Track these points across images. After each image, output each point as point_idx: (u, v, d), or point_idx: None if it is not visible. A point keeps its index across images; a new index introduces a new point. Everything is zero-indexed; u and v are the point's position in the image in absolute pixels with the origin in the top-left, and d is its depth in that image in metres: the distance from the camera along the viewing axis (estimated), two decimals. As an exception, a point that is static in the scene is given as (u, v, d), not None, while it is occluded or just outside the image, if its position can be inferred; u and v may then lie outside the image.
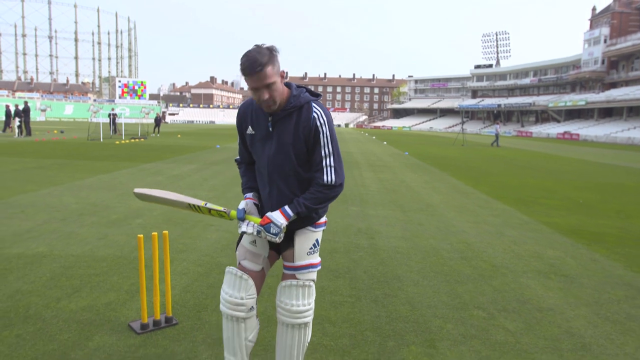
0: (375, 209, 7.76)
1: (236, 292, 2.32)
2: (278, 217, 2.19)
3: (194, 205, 2.39)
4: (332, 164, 2.24)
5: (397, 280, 4.29)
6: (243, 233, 2.28)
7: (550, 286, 4.26)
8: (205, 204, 2.37)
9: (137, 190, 2.51)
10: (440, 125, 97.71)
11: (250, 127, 2.34)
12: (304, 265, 2.36)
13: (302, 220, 2.32)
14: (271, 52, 2.10)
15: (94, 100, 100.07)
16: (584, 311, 3.71)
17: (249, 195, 2.43)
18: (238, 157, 2.59)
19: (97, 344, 2.94)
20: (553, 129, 66.50)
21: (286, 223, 2.20)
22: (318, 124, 2.21)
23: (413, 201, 8.59)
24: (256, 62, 2.05)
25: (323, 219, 2.43)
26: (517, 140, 51.80)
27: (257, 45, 2.12)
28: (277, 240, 2.20)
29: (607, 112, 65.83)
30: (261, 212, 2.41)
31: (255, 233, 2.24)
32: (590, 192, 10.76)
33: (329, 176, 2.23)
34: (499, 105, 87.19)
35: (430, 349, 3.01)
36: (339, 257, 4.91)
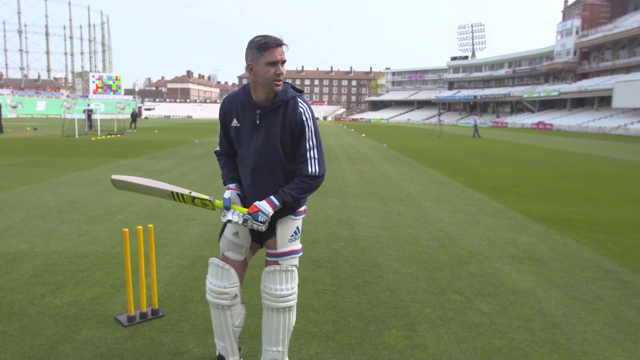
0: (354, 200, 7.88)
1: (219, 281, 2.44)
2: (265, 206, 2.28)
3: (176, 193, 2.42)
4: (316, 156, 2.37)
5: (377, 268, 4.41)
6: (228, 222, 2.34)
7: (523, 270, 4.44)
8: (190, 192, 2.41)
9: (115, 176, 2.52)
10: (417, 117, 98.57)
11: (235, 119, 2.39)
12: (286, 252, 2.45)
13: (284, 209, 2.40)
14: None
15: (67, 96, 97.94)
16: (555, 293, 3.89)
17: (232, 185, 2.49)
18: (217, 149, 2.64)
19: (84, 337, 2.98)
20: (528, 119, 67.75)
21: (272, 212, 2.29)
22: (304, 118, 2.33)
23: (392, 192, 8.75)
24: (277, 38, 2.20)
25: (303, 208, 2.53)
26: (493, 130, 52.65)
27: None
28: (263, 228, 2.29)
29: (580, 102, 67.33)
30: (244, 203, 2.48)
31: (240, 222, 2.31)
32: (562, 180, 11.08)
33: (313, 167, 2.35)
34: (475, 97, 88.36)
35: (410, 332, 3.14)
36: (320, 248, 5.01)
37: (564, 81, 73.17)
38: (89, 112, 29.28)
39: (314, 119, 2.40)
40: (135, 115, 34.46)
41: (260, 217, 2.26)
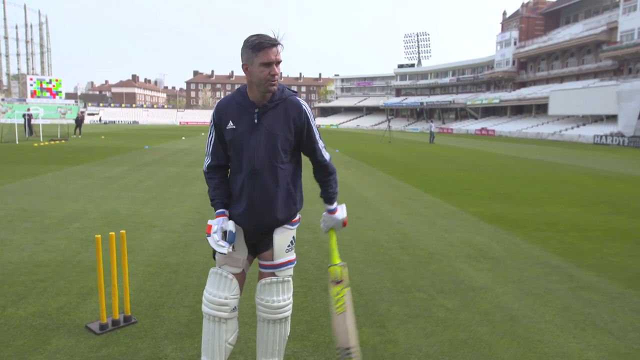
0: (312, 205, 7.97)
1: (220, 291, 2.35)
2: (342, 213, 2.60)
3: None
4: (323, 145, 2.50)
5: (343, 270, 4.54)
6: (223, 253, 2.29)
7: (480, 268, 4.71)
8: (348, 286, 2.48)
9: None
10: (366, 122, 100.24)
11: (231, 121, 2.32)
12: (283, 262, 2.42)
13: (283, 220, 2.40)
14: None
15: (2, 100, 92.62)
16: (510, 288, 4.16)
17: (224, 212, 2.38)
18: (209, 163, 2.45)
19: (55, 346, 2.93)
20: (471, 126, 70.48)
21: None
22: (309, 115, 2.39)
23: (349, 196, 8.94)
24: (272, 38, 2.20)
25: (297, 217, 2.52)
26: (440, 136, 54.40)
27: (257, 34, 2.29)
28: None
29: (519, 110, 70.78)
30: (232, 211, 2.39)
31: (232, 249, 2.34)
32: (508, 183, 11.69)
33: (325, 155, 2.50)
34: (422, 103, 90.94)
35: (381, 329, 3.29)
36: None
37: (504, 89, 76.70)
38: (29, 117, 27.87)
39: (313, 115, 2.48)
40: (79, 121, 33.14)
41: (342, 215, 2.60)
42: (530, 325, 3.40)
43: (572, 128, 51.43)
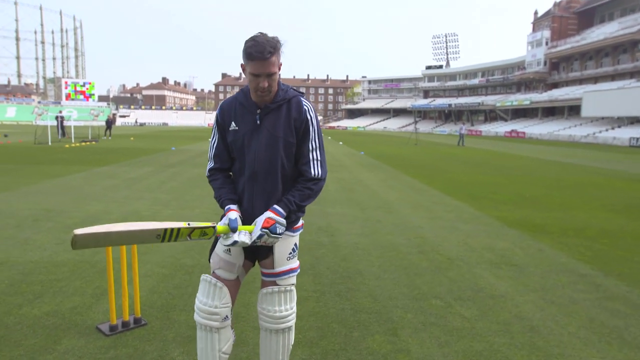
0: (334, 207, 7.94)
1: (210, 300, 2.25)
2: (276, 216, 2.15)
3: (169, 230, 2.02)
4: (319, 157, 2.27)
5: (358, 274, 4.46)
6: (233, 244, 2.09)
7: (501, 275, 4.55)
8: (189, 224, 2.07)
9: (78, 231, 1.87)
10: (393, 125, 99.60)
11: (233, 122, 2.26)
12: (284, 271, 2.32)
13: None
14: (277, 42, 2.11)
15: (39, 102, 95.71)
16: (532, 297, 4.00)
17: (233, 207, 2.24)
18: (211, 166, 2.38)
19: (65, 347, 2.94)
20: (501, 128, 69.17)
21: (285, 221, 2.18)
22: (309, 117, 2.24)
23: (370, 199, 8.84)
24: (265, 49, 2.04)
25: (300, 222, 2.39)
26: (468, 138, 53.51)
27: (262, 33, 2.12)
28: (278, 240, 2.19)
29: (550, 111, 69.13)
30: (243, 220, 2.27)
31: (249, 242, 2.11)
32: (535, 187, 11.36)
33: (315, 169, 2.25)
34: (450, 105, 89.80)
35: (393, 337, 3.19)
36: (301, 254, 5.03)
37: (535, 90, 75.03)
38: (61, 119, 28.67)
39: (318, 120, 2.31)
40: (110, 122, 33.91)
41: (278, 229, 2.12)
42: (552, 337, 3.25)
43: (607, 130, 49.90)
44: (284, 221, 2.16)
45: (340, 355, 2.92)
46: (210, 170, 2.39)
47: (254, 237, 2.11)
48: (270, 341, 2.35)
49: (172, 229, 2.03)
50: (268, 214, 2.14)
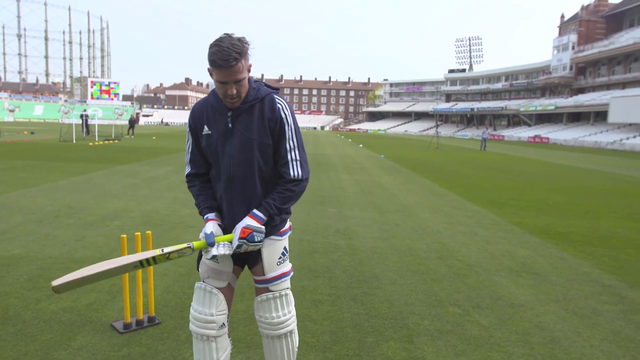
0: (352, 210, 7.87)
1: (206, 308, 2.18)
2: (254, 223, 2.06)
3: (145, 260, 2.04)
4: (298, 157, 2.14)
5: (375, 279, 4.40)
6: (213, 257, 2.06)
7: (521, 283, 4.43)
8: (162, 250, 2.05)
9: (55, 282, 1.93)
10: (415, 128, 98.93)
11: (206, 126, 2.15)
12: (276, 276, 2.23)
13: (267, 229, 2.16)
14: (244, 44, 1.97)
15: (65, 101, 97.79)
16: (553, 307, 3.88)
17: (211, 216, 2.18)
18: (187, 171, 2.30)
19: (80, 343, 2.95)
20: (524, 133, 68.06)
21: (263, 227, 2.09)
22: (283, 115, 2.11)
23: (389, 202, 8.75)
24: (230, 56, 1.91)
25: (287, 225, 2.30)
26: (490, 143, 52.82)
27: (227, 34, 1.97)
28: (261, 246, 2.13)
29: (576, 117, 67.75)
30: (224, 228, 2.21)
31: (230, 252, 2.08)
32: (559, 194, 11.11)
33: (295, 170, 2.14)
34: (472, 109, 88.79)
35: (408, 344, 3.12)
36: (318, 257, 4.99)
37: (560, 95, 73.65)
38: (86, 117, 29.21)
39: (294, 117, 2.17)
40: (133, 122, 34.42)
41: (256, 237, 2.05)
42: (573, 349, 3.14)
43: (634, 137, 48.62)
44: (262, 228, 2.07)
45: (354, 361, 2.87)
46: (187, 176, 2.31)
47: (234, 247, 2.06)
48: (274, 347, 2.28)
49: (147, 259, 2.03)
50: (245, 222, 2.06)
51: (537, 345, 3.17)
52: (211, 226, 2.10)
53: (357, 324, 3.40)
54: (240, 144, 2.09)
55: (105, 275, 2.02)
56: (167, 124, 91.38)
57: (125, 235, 3.05)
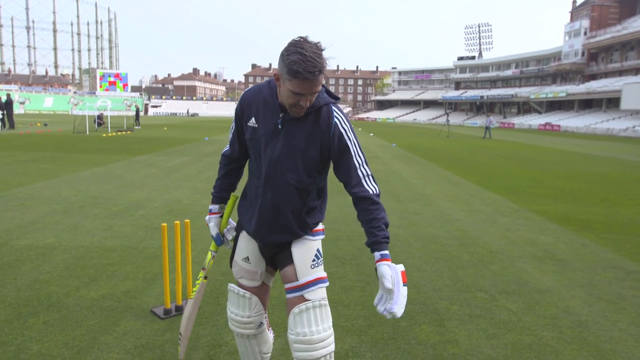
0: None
1: (241, 311, 2.15)
2: (386, 271, 1.81)
3: (198, 294, 2.35)
4: (369, 172, 1.97)
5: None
6: (228, 243, 2.27)
7: (545, 270, 4.49)
8: (205, 277, 2.32)
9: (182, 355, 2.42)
10: (424, 116, 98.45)
11: (253, 118, 1.99)
12: (311, 281, 1.99)
13: (300, 229, 2.04)
14: (322, 52, 1.77)
15: (74, 93, 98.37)
16: (578, 292, 3.94)
17: (215, 209, 2.26)
18: (224, 150, 2.25)
19: (124, 328, 3.06)
20: (535, 120, 67.55)
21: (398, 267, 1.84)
22: (342, 130, 1.92)
23: (407, 191, 8.81)
24: (315, 67, 1.72)
25: (320, 226, 2.13)
26: (501, 131, 52.54)
27: (303, 39, 1.77)
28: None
29: (587, 104, 67.06)
30: (242, 217, 2.17)
31: (232, 237, 2.26)
32: (575, 181, 11.10)
33: (371, 187, 1.94)
34: (482, 97, 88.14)
35: (440, 328, 3.20)
36: (343, 245, 5.08)
37: (572, 82, 72.88)
38: (100, 114, 29.66)
39: (353, 130, 1.97)
40: (137, 112, 34.79)
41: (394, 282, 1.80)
42: (602, 333, 3.20)
43: (647, 124, 48.12)
44: (389, 271, 1.82)
45: (390, 344, 2.96)
46: (223, 154, 2.27)
47: (403, 293, 1.81)
48: None
49: (199, 288, 2.34)
50: (398, 267, 1.83)
51: (566, 329, 3.24)
52: (215, 228, 2.26)
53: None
54: (284, 150, 1.92)
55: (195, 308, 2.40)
56: (193, 115, 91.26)
57: (165, 224, 3.14)
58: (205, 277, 2.32)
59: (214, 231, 2.25)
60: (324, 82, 1.85)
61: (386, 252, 1.85)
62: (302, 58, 1.70)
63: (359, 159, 1.95)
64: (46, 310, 3.30)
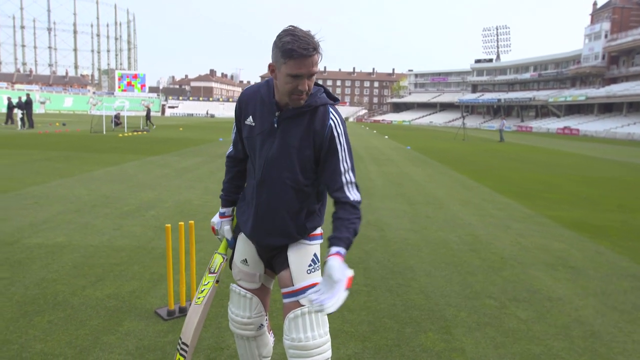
0: (382, 201, 7.87)
1: (241, 311, 2.16)
2: (337, 265, 1.68)
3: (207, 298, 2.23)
4: (352, 179, 1.93)
5: (409, 270, 4.41)
6: (233, 242, 2.27)
7: (558, 277, 4.38)
8: (217, 281, 2.26)
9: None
10: (440, 119, 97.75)
11: (251, 117, 1.98)
12: (306, 286, 1.95)
13: (297, 232, 2.01)
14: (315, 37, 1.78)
15: (94, 93, 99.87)
16: (592, 301, 3.83)
17: (227, 212, 2.27)
18: (228, 151, 2.26)
19: (127, 329, 3.06)
20: (553, 124, 66.60)
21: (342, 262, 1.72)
22: (335, 134, 1.89)
23: (419, 194, 8.72)
24: (309, 44, 1.72)
25: (319, 231, 2.09)
26: (518, 135, 51.90)
27: (294, 27, 1.78)
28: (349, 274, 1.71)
29: (607, 108, 65.92)
30: (239, 218, 2.17)
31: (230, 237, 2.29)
32: (591, 186, 10.88)
33: (352, 194, 1.90)
34: (499, 100, 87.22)
35: (447, 335, 3.13)
36: (351, 248, 5.02)
37: (592, 86, 71.72)
38: (117, 114, 30.03)
39: (346, 134, 1.95)
40: (148, 113, 35.16)
41: (340, 272, 1.67)
42: (614, 344, 3.10)
43: (669, 128, 47.12)
44: (341, 264, 1.70)
45: (394, 351, 2.90)
46: (227, 156, 2.27)
47: (341, 297, 1.64)
48: None
49: (209, 293, 2.23)
50: (348, 272, 1.69)
51: (577, 339, 3.15)
52: (229, 232, 2.26)
53: (394, 314, 3.43)
54: (280, 148, 1.91)
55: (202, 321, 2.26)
56: (212, 115, 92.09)
57: (169, 225, 3.13)
58: (217, 281, 2.27)
59: (228, 234, 2.25)
60: (323, 84, 1.85)
61: (344, 251, 1.76)
62: (295, 38, 1.72)
63: (346, 164, 1.92)
64: (52, 309, 3.32)
